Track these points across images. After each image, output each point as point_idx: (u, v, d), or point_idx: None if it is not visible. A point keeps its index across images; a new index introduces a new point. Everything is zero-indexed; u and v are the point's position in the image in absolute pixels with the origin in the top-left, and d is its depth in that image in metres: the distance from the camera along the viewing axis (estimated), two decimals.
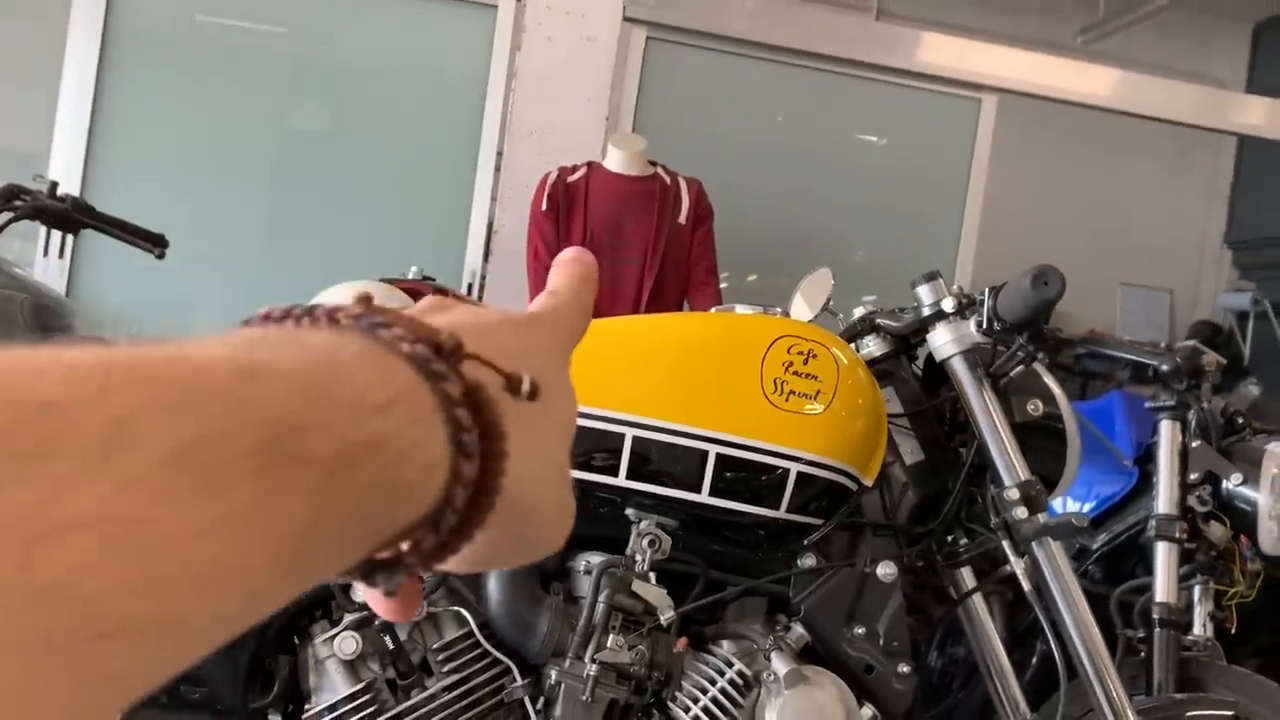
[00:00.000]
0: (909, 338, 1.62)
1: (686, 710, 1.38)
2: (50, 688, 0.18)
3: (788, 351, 1.41)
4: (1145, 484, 2.35)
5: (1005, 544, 1.45)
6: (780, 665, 1.39)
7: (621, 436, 1.37)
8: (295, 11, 3.92)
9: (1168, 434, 1.98)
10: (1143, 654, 1.91)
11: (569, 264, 0.41)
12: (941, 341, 1.54)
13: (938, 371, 1.58)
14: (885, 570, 1.47)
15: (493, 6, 3.94)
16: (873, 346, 1.64)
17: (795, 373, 1.40)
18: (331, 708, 1.36)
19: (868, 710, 1.42)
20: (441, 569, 0.30)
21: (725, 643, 1.46)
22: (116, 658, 0.19)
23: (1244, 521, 2.10)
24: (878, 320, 1.65)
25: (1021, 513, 1.43)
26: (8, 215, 2.03)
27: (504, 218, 3.68)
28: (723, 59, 4.20)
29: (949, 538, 1.56)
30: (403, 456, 0.25)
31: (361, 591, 0.33)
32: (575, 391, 0.37)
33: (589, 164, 3.32)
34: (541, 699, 1.39)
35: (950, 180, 4.45)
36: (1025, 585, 1.44)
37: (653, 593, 1.40)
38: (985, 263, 4.36)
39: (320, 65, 3.95)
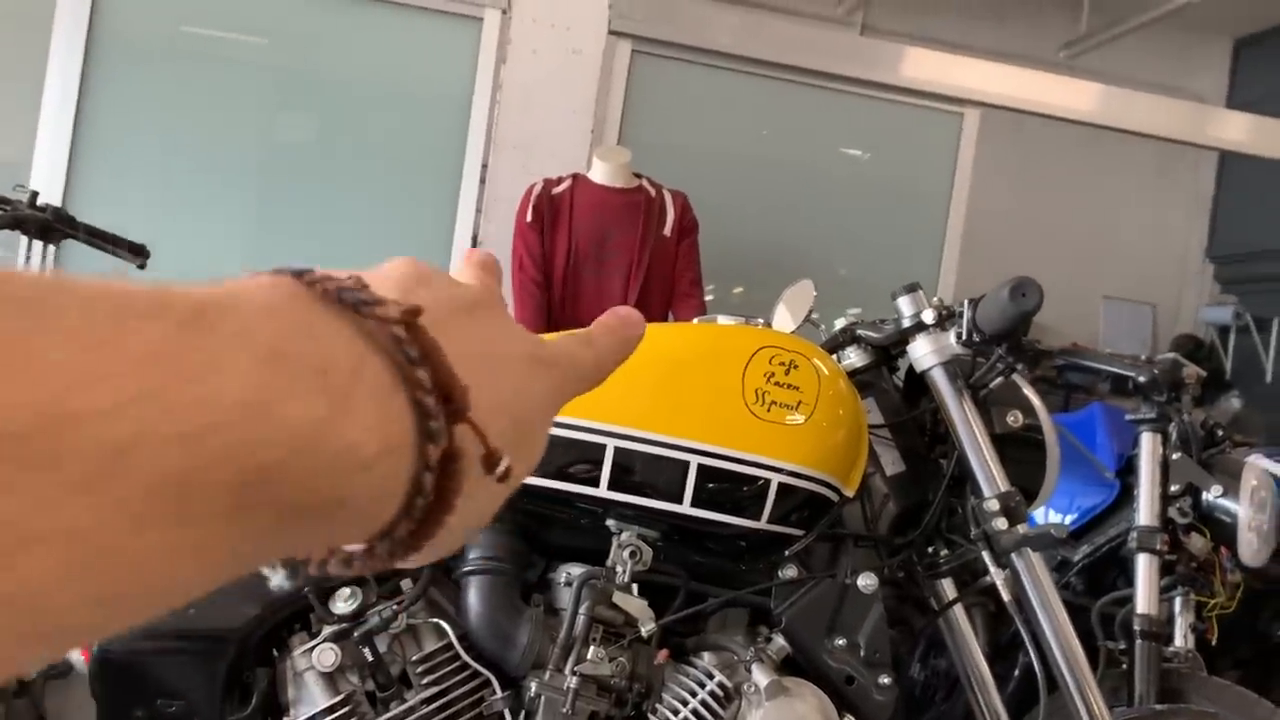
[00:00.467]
0: (890, 349, 1.63)
1: None
2: None
3: (769, 362, 1.41)
4: (1126, 496, 2.37)
5: (985, 555, 1.46)
6: (761, 677, 1.39)
7: (603, 447, 1.37)
8: (280, 23, 3.91)
9: (1149, 446, 1.99)
10: (1124, 665, 1.91)
11: (624, 326, 0.39)
12: (922, 353, 1.55)
13: (918, 383, 1.59)
14: (866, 581, 1.47)
15: (478, 19, 3.94)
16: (854, 357, 1.65)
17: (777, 383, 1.40)
18: None
19: None
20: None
21: (706, 654, 1.45)
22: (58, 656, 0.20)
23: (1224, 533, 2.11)
24: (858, 331, 1.66)
25: (1001, 524, 1.43)
26: None
27: (489, 230, 3.69)
28: (708, 73, 4.22)
29: (929, 549, 1.57)
30: (364, 509, 0.27)
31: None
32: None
33: (574, 176, 3.32)
34: (521, 711, 1.38)
35: (933, 194, 4.47)
36: (1005, 596, 1.44)
37: (634, 604, 1.39)
38: (968, 276, 4.37)
39: (305, 77, 3.94)
